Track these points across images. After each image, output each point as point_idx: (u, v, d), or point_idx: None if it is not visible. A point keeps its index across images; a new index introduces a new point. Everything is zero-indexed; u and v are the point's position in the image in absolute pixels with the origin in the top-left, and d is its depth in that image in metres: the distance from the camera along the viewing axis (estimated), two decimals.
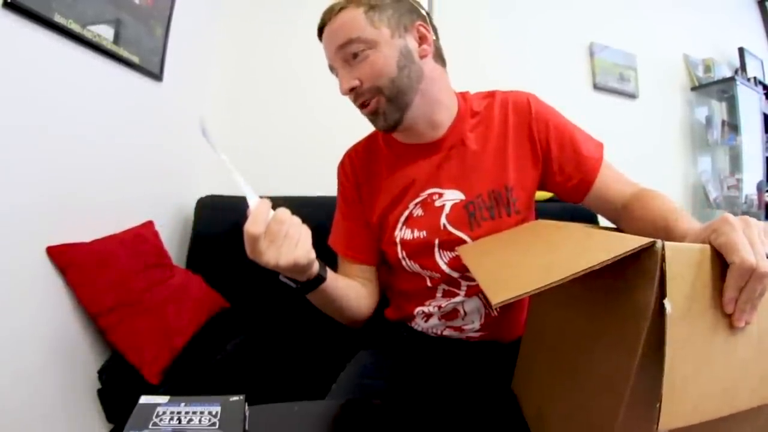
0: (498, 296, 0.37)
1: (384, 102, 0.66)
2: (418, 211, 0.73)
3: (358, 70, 0.66)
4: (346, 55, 0.66)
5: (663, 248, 0.31)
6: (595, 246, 0.39)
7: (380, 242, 0.78)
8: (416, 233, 0.72)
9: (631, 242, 0.33)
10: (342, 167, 0.82)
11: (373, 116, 0.69)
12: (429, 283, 0.75)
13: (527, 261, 0.47)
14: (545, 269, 0.38)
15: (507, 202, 0.70)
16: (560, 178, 0.73)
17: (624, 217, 0.67)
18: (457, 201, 0.71)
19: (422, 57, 0.68)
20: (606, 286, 0.38)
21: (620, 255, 0.33)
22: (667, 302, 0.30)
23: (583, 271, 0.34)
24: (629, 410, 0.34)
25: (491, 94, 0.76)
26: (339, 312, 0.74)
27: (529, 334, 0.60)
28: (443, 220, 0.71)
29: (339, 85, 0.68)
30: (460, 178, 0.72)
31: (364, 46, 0.65)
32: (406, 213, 0.73)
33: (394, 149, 0.76)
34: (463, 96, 0.76)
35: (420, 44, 0.68)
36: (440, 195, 0.72)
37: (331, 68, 0.71)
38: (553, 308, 0.52)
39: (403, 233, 0.73)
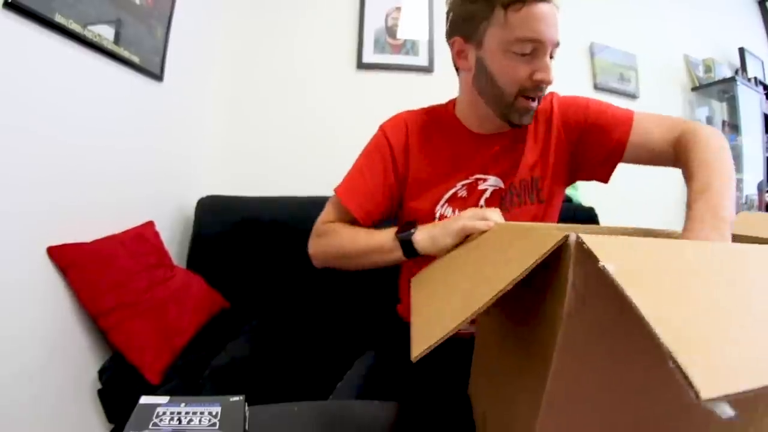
0: (415, 351, 0.34)
1: (537, 107, 0.73)
2: (463, 192, 0.79)
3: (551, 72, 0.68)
4: (552, 51, 0.68)
5: (578, 240, 0.27)
6: (513, 258, 0.35)
7: (415, 213, 0.80)
8: (457, 213, 0.77)
9: (542, 248, 0.29)
10: (392, 127, 0.82)
11: (526, 111, 0.71)
12: None
13: (456, 288, 0.44)
14: (464, 301, 0.35)
15: (532, 190, 0.78)
16: (592, 147, 0.76)
17: (678, 163, 0.66)
18: (497, 188, 0.79)
19: None
20: (529, 285, 0.35)
21: (524, 272, 0.30)
22: (606, 264, 0.24)
23: (486, 303, 0.31)
24: (547, 420, 0.31)
25: None
26: (355, 267, 0.76)
27: (477, 337, 0.58)
28: (482, 202, 0.79)
29: (543, 69, 0.68)
30: (505, 170, 0.78)
31: (553, 56, 0.70)
32: (453, 191, 0.79)
33: (456, 132, 0.81)
34: None
35: None
36: (484, 180, 0.79)
37: (528, 40, 0.65)
38: (489, 311, 0.50)
39: (443, 210, 0.79)
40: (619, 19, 2.32)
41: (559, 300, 0.28)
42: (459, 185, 0.79)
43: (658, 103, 2.37)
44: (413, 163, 0.80)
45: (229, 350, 1.16)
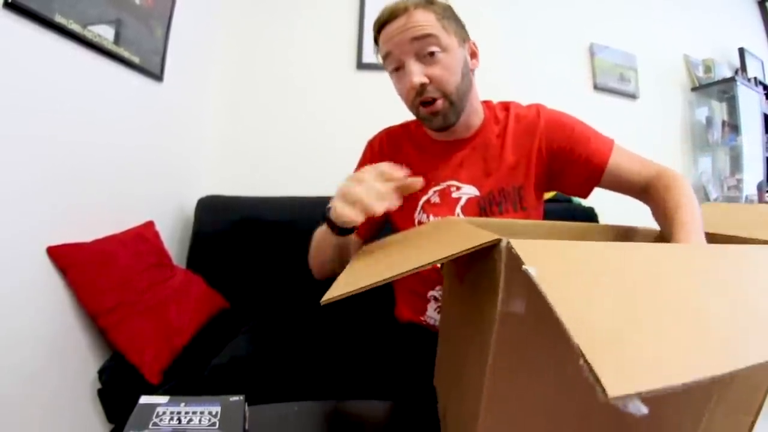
0: (327, 296, 0.36)
1: (447, 105, 0.72)
2: (436, 198, 0.80)
3: (430, 69, 0.69)
4: (421, 50, 0.69)
5: (509, 245, 0.29)
6: (449, 243, 0.37)
7: (397, 221, 0.85)
8: (432, 218, 0.80)
9: (476, 240, 0.32)
10: (372, 145, 0.88)
11: (432, 115, 0.73)
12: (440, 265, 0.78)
13: (386, 260, 0.45)
14: (383, 270, 0.37)
15: (514, 198, 0.78)
16: (572, 171, 0.78)
17: (648, 201, 0.71)
18: (472, 196, 0.79)
19: (471, 69, 0.77)
20: (474, 284, 0.37)
21: (454, 255, 0.32)
22: (528, 268, 0.25)
23: (408, 271, 0.33)
24: (489, 414, 0.32)
25: (506, 106, 0.84)
26: (329, 263, 0.76)
27: (440, 330, 0.58)
28: (458, 210, 0.79)
29: (407, 76, 0.69)
30: (476, 177, 0.79)
31: (439, 48, 0.69)
32: (426, 197, 0.80)
33: (422, 141, 0.84)
34: (487, 104, 0.85)
35: (471, 58, 0.77)
36: (458, 188, 0.79)
37: (387, 57, 0.72)
38: (450, 304, 0.51)
39: (421, 216, 0.81)
40: (619, 19, 2.32)
41: (493, 301, 0.30)
42: (431, 192, 0.80)
43: (658, 103, 2.37)
44: None
45: (229, 350, 1.16)
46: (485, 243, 0.30)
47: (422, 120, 0.77)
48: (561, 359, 0.31)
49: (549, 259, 0.26)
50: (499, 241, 0.29)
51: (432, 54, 0.69)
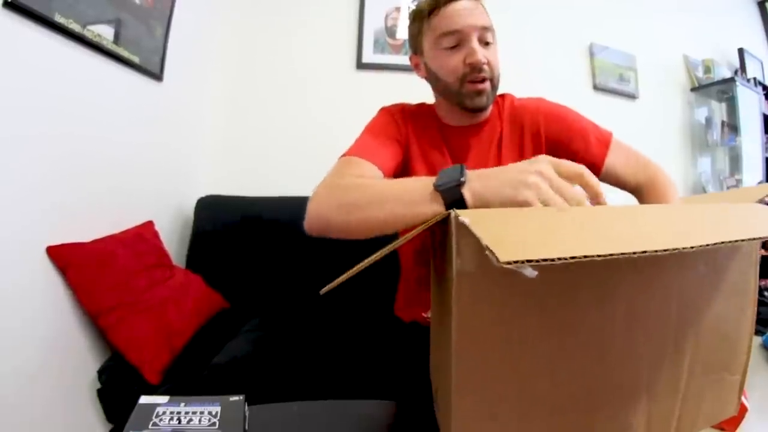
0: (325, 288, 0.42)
1: (491, 88, 0.79)
2: None
3: (487, 54, 0.77)
4: (483, 36, 0.77)
5: (455, 215, 0.33)
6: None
7: None
8: None
9: (437, 217, 0.37)
10: (391, 110, 0.87)
11: (479, 93, 0.78)
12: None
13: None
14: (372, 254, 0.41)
15: None
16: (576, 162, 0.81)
17: (638, 198, 0.81)
18: None
19: None
20: (443, 266, 0.40)
21: (417, 232, 0.38)
22: (462, 218, 0.31)
23: (383, 252, 0.38)
24: (460, 376, 0.35)
25: (502, 96, 0.89)
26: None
27: (431, 326, 0.55)
28: None
29: (472, 53, 0.76)
30: (480, 163, 0.83)
31: (493, 41, 0.79)
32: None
33: (439, 125, 0.87)
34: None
35: None
36: None
37: (451, 33, 0.76)
38: (432, 300, 0.52)
39: None
40: (619, 20, 2.32)
41: (451, 265, 0.34)
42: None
43: (657, 103, 2.37)
44: (409, 148, 0.84)
45: (229, 349, 1.16)
46: (439, 217, 0.36)
47: (463, 97, 0.78)
48: (522, 310, 0.35)
49: (487, 217, 0.33)
50: (449, 213, 0.34)
51: (488, 43, 0.78)
